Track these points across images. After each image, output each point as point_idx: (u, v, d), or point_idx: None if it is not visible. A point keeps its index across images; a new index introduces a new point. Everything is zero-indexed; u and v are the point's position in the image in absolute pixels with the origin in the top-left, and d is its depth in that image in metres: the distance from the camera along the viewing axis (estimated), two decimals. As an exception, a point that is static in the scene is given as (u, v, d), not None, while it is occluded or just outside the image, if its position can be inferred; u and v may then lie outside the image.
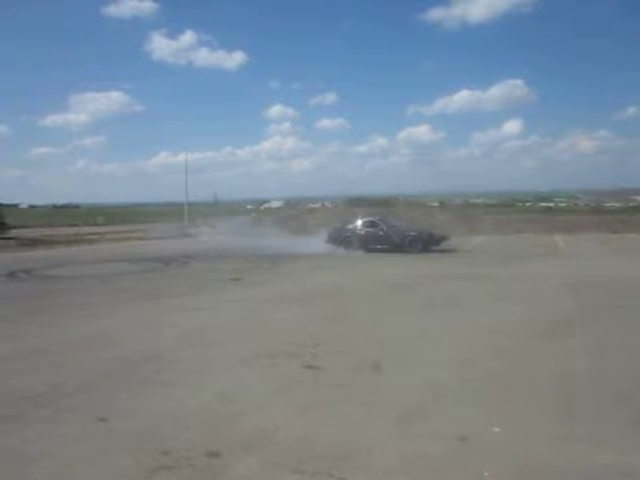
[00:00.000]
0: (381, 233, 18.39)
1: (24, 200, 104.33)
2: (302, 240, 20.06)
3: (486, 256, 17.10)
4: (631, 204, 65.73)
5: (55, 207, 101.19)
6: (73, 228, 39.32)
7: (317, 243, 19.03)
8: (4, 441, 3.63)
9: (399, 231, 18.50)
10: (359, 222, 19.32)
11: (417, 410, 4.03)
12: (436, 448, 3.37)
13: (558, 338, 6.18)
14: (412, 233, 18.19)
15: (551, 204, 73.31)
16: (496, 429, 3.63)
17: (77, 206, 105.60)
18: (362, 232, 18.67)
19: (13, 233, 30.52)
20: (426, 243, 17.79)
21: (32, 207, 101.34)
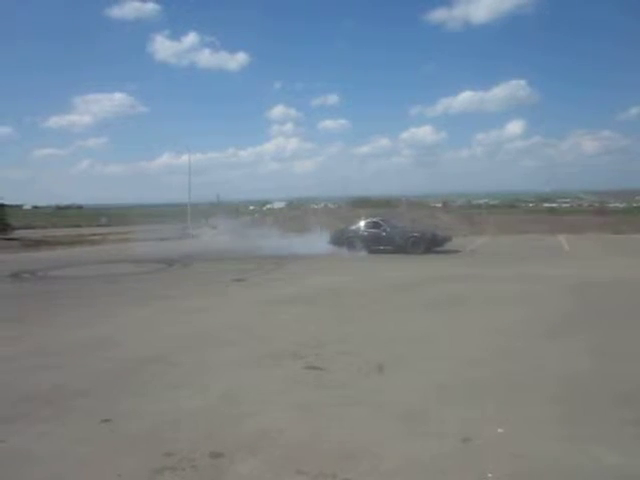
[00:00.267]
0: (384, 234, 18.37)
1: (27, 201, 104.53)
2: (305, 241, 20.03)
3: (489, 257, 17.07)
4: (635, 204, 65.51)
5: (58, 208, 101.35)
6: (76, 229, 39.43)
7: (320, 244, 19.03)
8: (7, 442, 3.64)
9: (402, 232, 18.47)
10: (362, 223, 19.30)
11: (421, 410, 4.02)
12: (440, 449, 3.36)
13: (562, 339, 6.16)
14: (415, 234, 18.15)
15: (554, 205, 73.08)
16: (500, 430, 3.62)
17: (80, 207, 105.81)
18: (365, 233, 18.66)
19: (17, 234, 30.62)
20: (429, 244, 17.75)
21: (35, 208, 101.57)
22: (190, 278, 13.15)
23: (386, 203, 41.67)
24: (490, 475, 3.02)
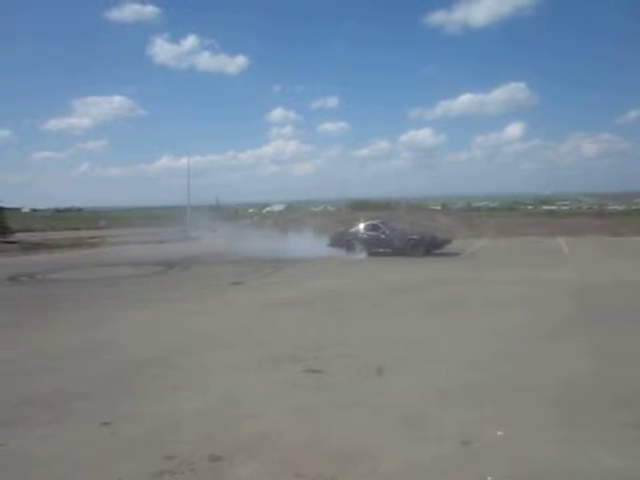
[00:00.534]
0: (383, 236, 18.37)
1: (27, 204, 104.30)
2: (304, 243, 20.03)
3: (489, 259, 17.08)
4: (634, 207, 65.57)
5: (57, 211, 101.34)
6: (75, 232, 39.39)
7: (319, 247, 19.03)
8: (7, 445, 3.64)
9: (401, 234, 18.47)
10: (361, 225, 19.30)
11: (420, 413, 4.02)
12: (439, 451, 3.36)
13: (561, 341, 6.16)
14: (414, 236, 18.15)
15: (554, 207, 73.08)
16: (499, 432, 3.62)
17: (79, 210, 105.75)
18: (364, 236, 18.66)
19: (16, 237, 30.56)
20: (428, 246, 17.75)
21: (34, 211, 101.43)
22: (189, 281, 13.14)
23: (385, 205, 41.66)
24: (489, 478, 3.02)
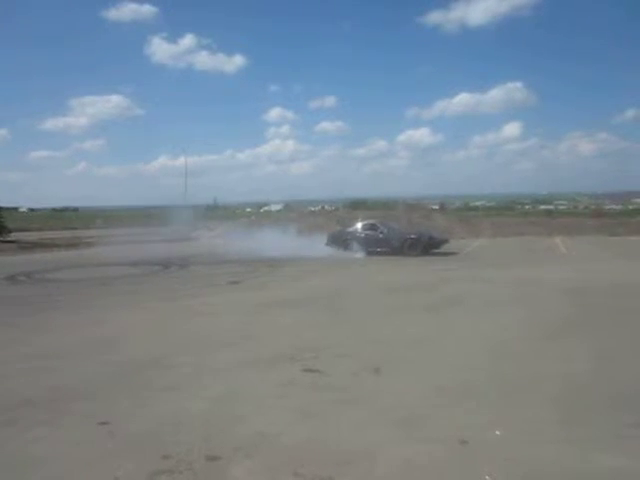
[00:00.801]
0: (381, 236, 18.39)
1: (24, 203, 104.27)
2: (302, 243, 20.05)
3: (486, 259, 17.10)
4: (631, 206, 65.78)
5: (54, 210, 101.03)
6: (73, 231, 39.27)
7: (317, 246, 19.04)
8: (4, 446, 3.62)
9: (399, 234, 18.49)
10: (359, 225, 19.33)
11: (418, 413, 4.02)
12: (437, 452, 3.36)
13: (558, 342, 6.17)
14: (412, 236, 18.17)
15: (551, 207, 73.27)
16: (497, 432, 3.62)
17: (76, 209, 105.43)
18: (362, 235, 18.68)
19: (13, 236, 30.44)
20: (426, 246, 17.77)
21: (32, 210, 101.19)
22: (186, 281, 13.11)
23: (383, 205, 41.67)
24: (488, 478, 3.02)
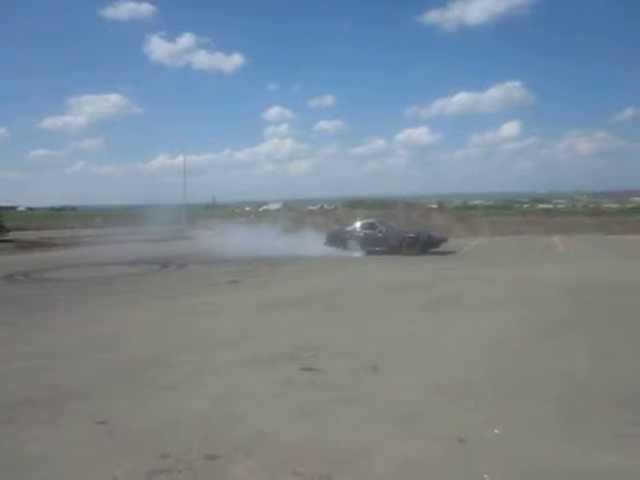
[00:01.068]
0: (379, 235, 18.40)
1: (22, 202, 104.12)
2: (300, 242, 20.04)
3: (485, 258, 17.12)
4: (629, 205, 65.88)
5: (53, 209, 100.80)
6: (71, 230, 39.23)
7: (315, 245, 19.03)
8: (3, 444, 3.62)
9: (397, 233, 18.51)
10: (357, 224, 19.35)
11: (416, 411, 4.02)
12: (435, 450, 3.37)
13: (557, 340, 6.18)
14: (410, 235, 18.18)
15: (549, 206, 73.30)
16: (496, 430, 3.63)
17: (75, 208, 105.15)
18: (360, 234, 18.68)
19: (11, 236, 30.40)
20: (424, 245, 17.79)
21: (30, 209, 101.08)
22: (185, 280, 13.11)
23: (382, 204, 41.65)
24: (486, 476, 3.02)
